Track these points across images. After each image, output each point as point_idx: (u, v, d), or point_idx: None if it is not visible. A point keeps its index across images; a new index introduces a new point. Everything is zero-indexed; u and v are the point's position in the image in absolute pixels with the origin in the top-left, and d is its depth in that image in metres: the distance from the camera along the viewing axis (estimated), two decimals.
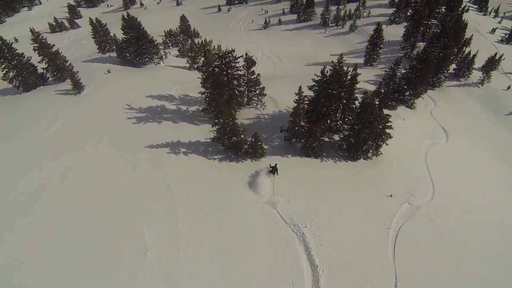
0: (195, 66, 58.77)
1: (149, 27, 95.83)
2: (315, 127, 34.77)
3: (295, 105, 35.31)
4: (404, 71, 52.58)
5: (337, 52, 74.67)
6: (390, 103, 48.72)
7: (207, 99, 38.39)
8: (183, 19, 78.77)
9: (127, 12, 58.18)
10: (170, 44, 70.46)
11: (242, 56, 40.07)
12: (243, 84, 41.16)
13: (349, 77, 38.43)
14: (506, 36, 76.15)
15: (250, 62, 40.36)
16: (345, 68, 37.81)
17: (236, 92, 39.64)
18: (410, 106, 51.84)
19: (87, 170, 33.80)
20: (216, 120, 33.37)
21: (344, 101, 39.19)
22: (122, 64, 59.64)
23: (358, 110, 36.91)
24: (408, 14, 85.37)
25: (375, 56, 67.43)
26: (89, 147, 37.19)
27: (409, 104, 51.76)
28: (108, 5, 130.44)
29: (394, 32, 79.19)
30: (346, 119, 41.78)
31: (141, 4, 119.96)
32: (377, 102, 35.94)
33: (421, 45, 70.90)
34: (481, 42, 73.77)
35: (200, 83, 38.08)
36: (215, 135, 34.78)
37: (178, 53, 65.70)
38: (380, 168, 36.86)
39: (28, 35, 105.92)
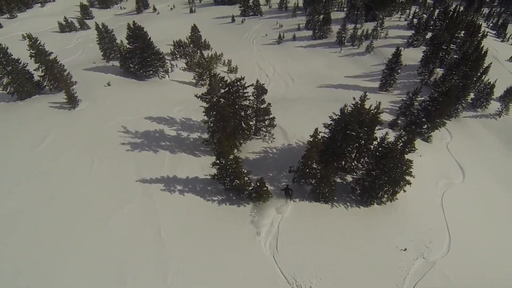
0: (202, 83, 54.31)
1: (159, 34, 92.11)
2: (329, 172, 30.07)
3: (308, 146, 30.60)
4: (422, 99, 49.41)
5: (351, 74, 70.40)
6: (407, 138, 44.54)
7: (210, 129, 33.75)
8: (194, 29, 74.47)
9: (133, 22, 53.54)
10: (178, 56, 66.03)
11: (252, 84, 35.29)
12: (251, 115, 36.39)
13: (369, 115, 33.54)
14: None
15: (260, 90, 35.70)
16: (366, 106, 32.97)
17: (243, 125, 34.94)
18: (426, 139, 47.19)
19: (72, 203, 29.35)
20: (217, 161, 28.70)
21: (362, 141, 34.43)
22: (125, 76, 55.26)
23: (377, 154, 32.37)
24: (427, 37, 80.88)
25: (392, 81, 62.58)
26: (79, 173, 32.80)
27: (425, 137, 47.15)
28: (121, 7, 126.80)
29: (412, 56, 74.59)
30: (362, 159, 37.16)
31: (154, 9, 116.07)
32: (399, 147, 31.28)
33: (439, 71, 66.25)
34: (499, 70, 69.36)
35: (203, 112, 33.30)
36: (216, 172, 30.17)
37: (185, 66, 61.19)
38: (394, 215, 33.01)
39: (37, 32, 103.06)
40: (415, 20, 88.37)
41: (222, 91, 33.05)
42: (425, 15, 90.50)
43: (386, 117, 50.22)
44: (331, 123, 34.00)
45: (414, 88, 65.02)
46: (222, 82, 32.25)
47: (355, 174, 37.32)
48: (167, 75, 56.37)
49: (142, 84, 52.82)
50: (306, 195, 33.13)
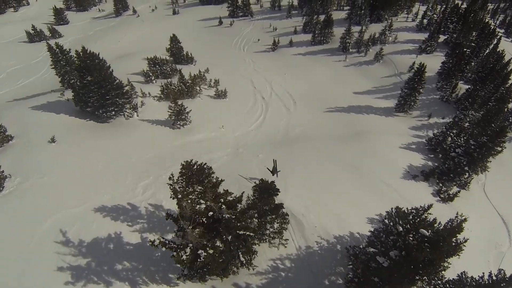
0: (180, 124, 38.89)
1: (137, 43, 75.85)
2: None
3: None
4: (448, 121, 39.97)
5: (361, 89, 55.46)
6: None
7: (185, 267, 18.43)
8: (174, 40, 58.14)
9: (83, 48, 36.51)
10: (153, 77, 50.01)
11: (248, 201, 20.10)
12: (255, 240, 21.10)
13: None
14: None
15: (266, 191, 20.44)
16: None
17: (241, 258, 19.55)
18: (464, 186, 32.97)
19: None
20: None
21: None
22: (81, 116, 39.32)
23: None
24: (442, 41, 65.69)
25: (412, 103, 47.82)
26: None
27: (462, 182, 33.08)
28: (99, 10, 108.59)
29: (428, 65, 59.26)
30: None
31: (134, 11, 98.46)
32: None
33: (461, 86, 52.50)
34: None
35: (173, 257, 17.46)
36: None
37: (161, 95, 45.21)
38: None
39: (3, 43, 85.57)
40: (424, 21, 72.69)
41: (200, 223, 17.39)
42: (435, 15, 74.58)
43: (413, 158, 35.72)
44: (373, 239, 19.09)
45: (434, 107, 51.19)
46: (195, 205, 16.68)
47: None
48: (135, 113, 40.52)
49: (99, 133, 36.74)
50: None
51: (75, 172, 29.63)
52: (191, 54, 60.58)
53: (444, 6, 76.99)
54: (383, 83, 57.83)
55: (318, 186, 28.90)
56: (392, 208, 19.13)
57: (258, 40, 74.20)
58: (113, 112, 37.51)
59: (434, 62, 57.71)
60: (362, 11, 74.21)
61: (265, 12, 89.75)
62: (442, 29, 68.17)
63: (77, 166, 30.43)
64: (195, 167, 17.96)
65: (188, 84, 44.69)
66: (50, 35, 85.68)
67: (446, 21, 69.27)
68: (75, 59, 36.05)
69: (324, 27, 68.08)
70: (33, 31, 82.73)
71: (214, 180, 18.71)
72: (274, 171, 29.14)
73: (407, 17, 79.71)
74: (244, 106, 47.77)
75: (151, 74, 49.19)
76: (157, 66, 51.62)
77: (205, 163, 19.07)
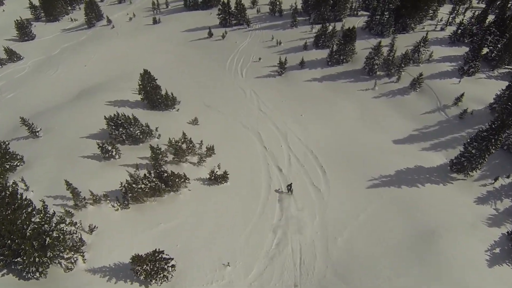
0: (157, 282, 19.73)
1: (107, 66, 54.93)
2: None
3: None
4: None
5: (400, 135, 38.45)
6: None
7: None
8: (146, 76, 37.87)
9: None
10: (114, 152, 30.18)
11: None
12: None
13: None
14: None
15: None
16: None
17: None
18: None
19: None
20: None
21: None
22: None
23: None
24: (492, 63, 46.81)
25: (478, 165, 29.88)
26: None
27: None
28: (72, 19, 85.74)
29: (476, 94, 42.51)
30: None
31: (108, 21, 76.46)
32: None
33: None
34: None
35: None
36: None
37: (120, 205, 25.53)
38: None
39: None
40: (451, 27, 53.44)
41: None
42: (466, 21, 54.43)
43: None
44: None
45: (494, 159, 33.85)
46: None
47: None
48: (79, 257, 20.94)
49: None
50: None
51: None
52: (172, 94, 40.39)
53: (474, 12, 56.70)
54: (426, 123, 39.93)
55: None
56: None
57: (259, 59, 53.90)
58: (37, 273, 17.97)
59: (481, 90, 42.85)
60: (385, 17, 53.82)
61: (263, 19, 68.43)
62: (486, 44, 48.72)
63: None
64: None
65: (165, 175, 25.08)
66: (8, 57, 64.19)
67: (484, 31, 49.69)
68: None
69: (344, 43, 47.80)
70: None
71: None
72: None
73: (436, 25, 59.37)
74: (254, 198, 28.73)
75: (110, 148, 29.26)
76: (121, 129, 31.68)
77: None
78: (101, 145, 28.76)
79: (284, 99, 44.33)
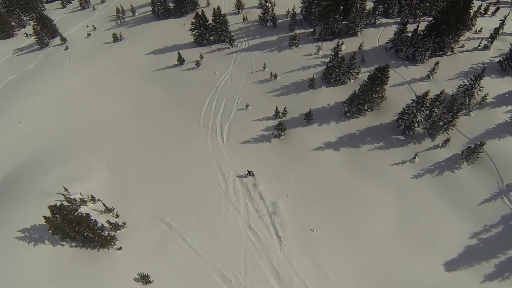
0: None
1: (46, 125, 37.26)
2: None
3: None
4: None
5: (454, 250, 25.60)
6: None
7: None
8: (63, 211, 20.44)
9: None
10: None
11: None
12: None
13: None
14: None
15: None
16: None
17: None
18: None
19: None
20: None
21: None
22: None
23: None
24: None
25: None
26: None
27: None
28: (27, 35, 65.52)
29: None
30: None
31: (63, 40, 56.77)
32: None
33: None
34: None
35: None
36: None
37: None
38: None
39: None
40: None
41: None
42: None
43: None
44: None
45: None
46: None
47: None
48: None
49: None
50: None
51: None
52: (115, 223, 23.02)
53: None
54: (485, 221, 23.79)
55: None
56: None
57: (247, 106, 35.30)
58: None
59: None
60: (420, 35, 33.91)
61: (252, 31, 47.90)
62: None
63: None
64: None
65: None
66: None
67: None
68: None
69: (370, 88, 28.81)
70: None
71: None
72: None
73: (480, 41, 38.54)
74: None
75: None
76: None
77: None
78: None
79: (286, 193, 26.66)
